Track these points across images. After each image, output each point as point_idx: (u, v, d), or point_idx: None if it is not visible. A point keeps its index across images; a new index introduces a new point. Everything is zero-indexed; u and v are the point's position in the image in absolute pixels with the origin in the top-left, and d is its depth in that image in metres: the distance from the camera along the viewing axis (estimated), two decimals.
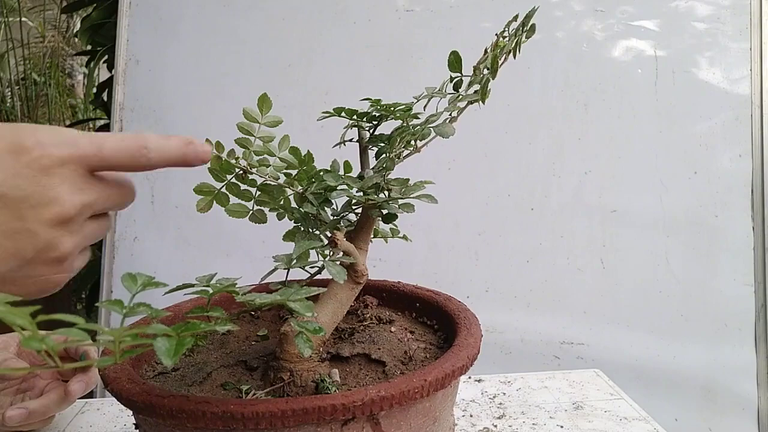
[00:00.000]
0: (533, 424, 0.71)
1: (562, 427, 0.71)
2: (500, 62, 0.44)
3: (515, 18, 0.45)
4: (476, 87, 0.45)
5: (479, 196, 1.30)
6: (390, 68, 1.31)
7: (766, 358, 1.26)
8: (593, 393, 0.79)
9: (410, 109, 0.46)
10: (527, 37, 0.44)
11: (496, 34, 0.45)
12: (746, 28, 1.32)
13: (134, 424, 0.51)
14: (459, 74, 0.47)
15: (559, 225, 1.30)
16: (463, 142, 1.03)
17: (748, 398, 1.25)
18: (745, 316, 1.27)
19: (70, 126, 2.10)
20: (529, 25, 0.44)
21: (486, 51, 0.45)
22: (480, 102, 0.45)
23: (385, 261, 1.15)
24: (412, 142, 0.46)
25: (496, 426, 0.71)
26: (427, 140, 0.46)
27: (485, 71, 0.44)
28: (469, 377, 0.84)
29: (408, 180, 0.47)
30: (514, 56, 0.45)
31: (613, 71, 1.32)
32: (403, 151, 0.47)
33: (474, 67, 0.46)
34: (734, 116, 1.31)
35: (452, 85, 0.47)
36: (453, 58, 0.46)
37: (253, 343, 0.58)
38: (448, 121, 0.46)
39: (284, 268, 0.44)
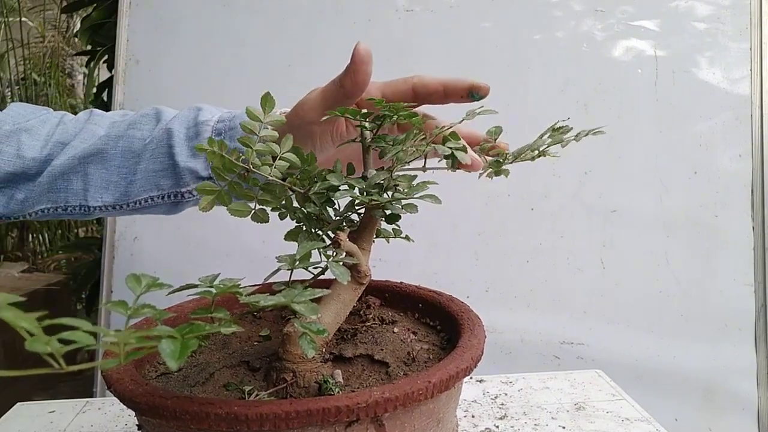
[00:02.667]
0: (535, 424, 0.71)
1: (564, 428, 0.71)
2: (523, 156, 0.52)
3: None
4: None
5: (479, 196, 1.30)
6: (390, 68, 1.30)
7: (766, 358, 1.26)
8: (595, 394, 0.79)
9: (414, 112, 0.46)
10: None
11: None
12: (746, 28, 1.32)
13: (137, 424, 0.51)
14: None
15: (559, 225, 1.30)
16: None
17: (748, 398, 1.25)
18: (745, 316, 1.27)
19: None
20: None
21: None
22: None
23: (384, 261, 1.15)
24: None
25: (498, 427, 0.71)
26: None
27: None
28: (471, 377, 0.83)
29: (415, 176, 0.47)
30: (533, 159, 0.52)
31: (613, 71, 1.32)
32: (413, 150, 0.47)
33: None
34: (734, 116, 1.31)
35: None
36: None
37: (255, 343, 0.58)
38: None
39: (288, 269, 0.44)
